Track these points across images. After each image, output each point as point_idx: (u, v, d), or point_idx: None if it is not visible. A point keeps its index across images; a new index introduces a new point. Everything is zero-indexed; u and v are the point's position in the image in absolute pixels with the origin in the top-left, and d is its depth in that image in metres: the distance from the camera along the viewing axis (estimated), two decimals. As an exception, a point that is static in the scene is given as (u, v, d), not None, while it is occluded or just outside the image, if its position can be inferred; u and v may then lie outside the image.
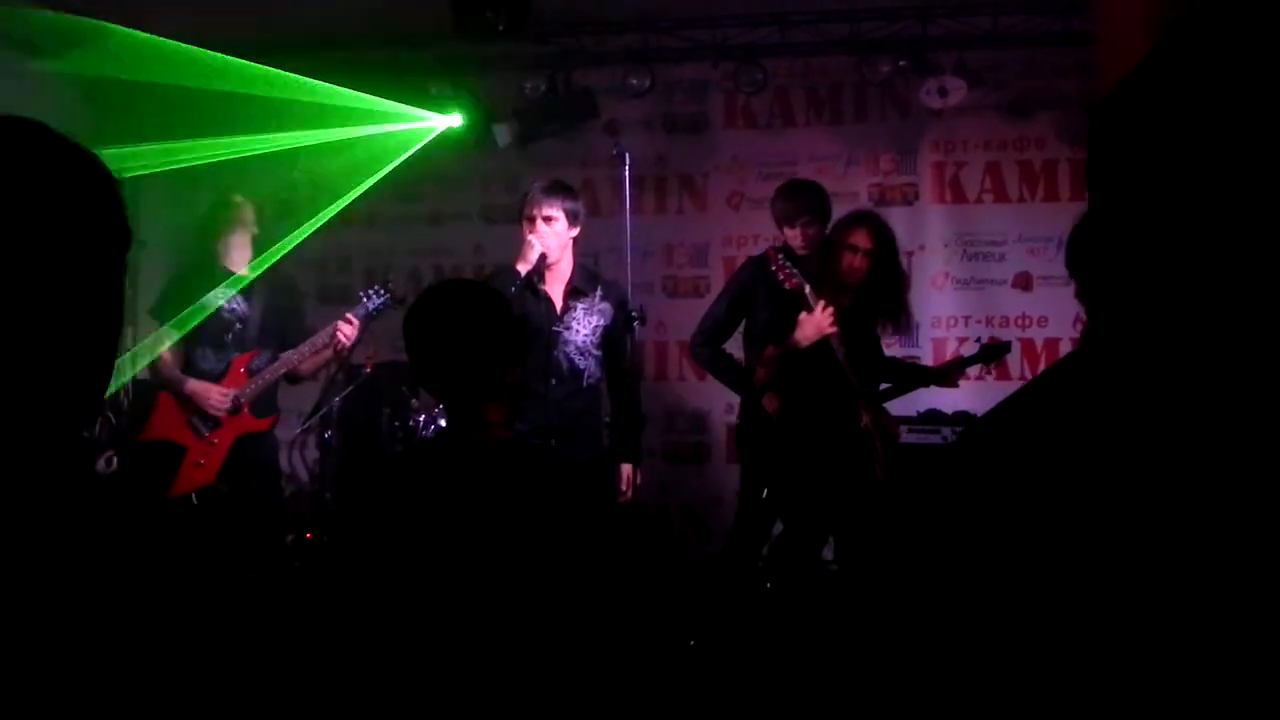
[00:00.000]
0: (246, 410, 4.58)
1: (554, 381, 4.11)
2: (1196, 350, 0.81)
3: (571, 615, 1.95)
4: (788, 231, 4.57)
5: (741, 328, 4.66)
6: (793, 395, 4.31)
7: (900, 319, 4.52)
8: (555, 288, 4.23)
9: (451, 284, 2.42)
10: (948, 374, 4.84)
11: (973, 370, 6.23)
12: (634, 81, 6.45)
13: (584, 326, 4.20)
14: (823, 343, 4.19)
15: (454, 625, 1.90)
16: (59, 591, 0.84)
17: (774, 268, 4.23)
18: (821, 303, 4.15)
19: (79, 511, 0.89)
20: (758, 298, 4.50)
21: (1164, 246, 0.81)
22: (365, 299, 4.69)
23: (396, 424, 5.13)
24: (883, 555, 1.02)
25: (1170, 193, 0.81)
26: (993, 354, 4.89)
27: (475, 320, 2.13)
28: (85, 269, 0.92)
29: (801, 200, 4.58)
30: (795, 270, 4.18)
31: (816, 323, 4.15)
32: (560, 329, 4.16)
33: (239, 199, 4.81)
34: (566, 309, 4.20)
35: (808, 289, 4.16)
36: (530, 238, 4.13)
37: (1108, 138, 0.87)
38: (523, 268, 4.08)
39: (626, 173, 4.47)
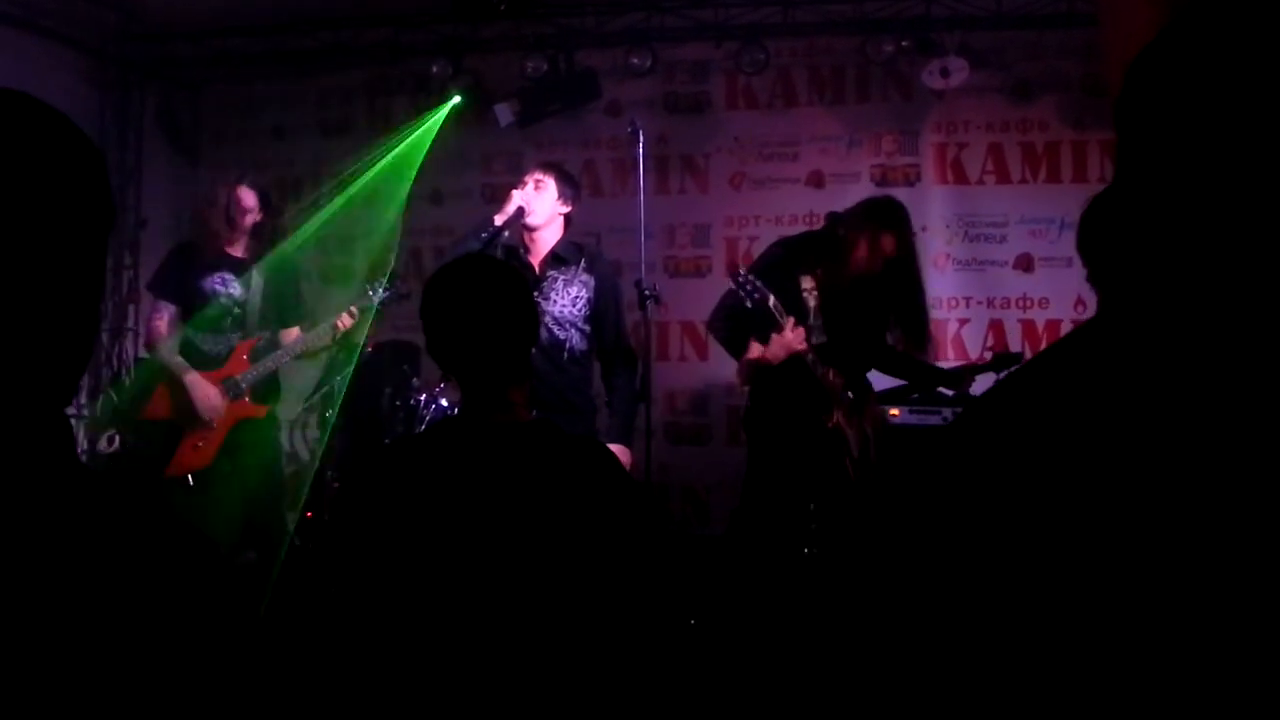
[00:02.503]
0: (247, 396, 4.59)
1: (532, 351, 4.10)
2: (1222, 330, 0.78)
3: (608, 599, 1.92)
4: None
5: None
6: (767, 393, 4.32)
7: (922, 335, 4.46)
8: (538, 258, 4.22)
9: (471, 262, 2.34)
10: (959, 379, 4.88)
11: (974, 350, 6.28)
12: (635, 61, 6.43)
13: (563, 297, 4.15)
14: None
15: (486, 613, 1.86)
16: (41, 576, 0.82)
17: (734, 287, 4.15)
18: (790, 320, 4.12)
19: (61, 491, 0.88)
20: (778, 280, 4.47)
21: (1198, 215, 0.79)
22: (371, 292, 4.68)
23: (398, 403, 5.13)
24: (870, 540, 0.98)
25: (1208, 162, 0.78)
26: (1004, 363, 4.97)
27: (499, 302, 2.08)
28: (67, 245, 0.90)
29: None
30: (760, 285, 4.08)
31: (786, 343, 4.13)
32: (537, 298, 4.13)
33: (242, 186, 4.74)
34: (544, 277, 4.17)
35: (772, 302, 4.09)
36: (514, 192, 4.17)
37: (1140, 98, 0.83)
38: (499, 219, 4.10)
39: (641, 150, 4.41)
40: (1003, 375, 4.87)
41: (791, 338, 4.13)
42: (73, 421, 6.06)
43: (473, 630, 1.86)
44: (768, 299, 4.08)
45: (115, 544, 0.88)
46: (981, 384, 4.97)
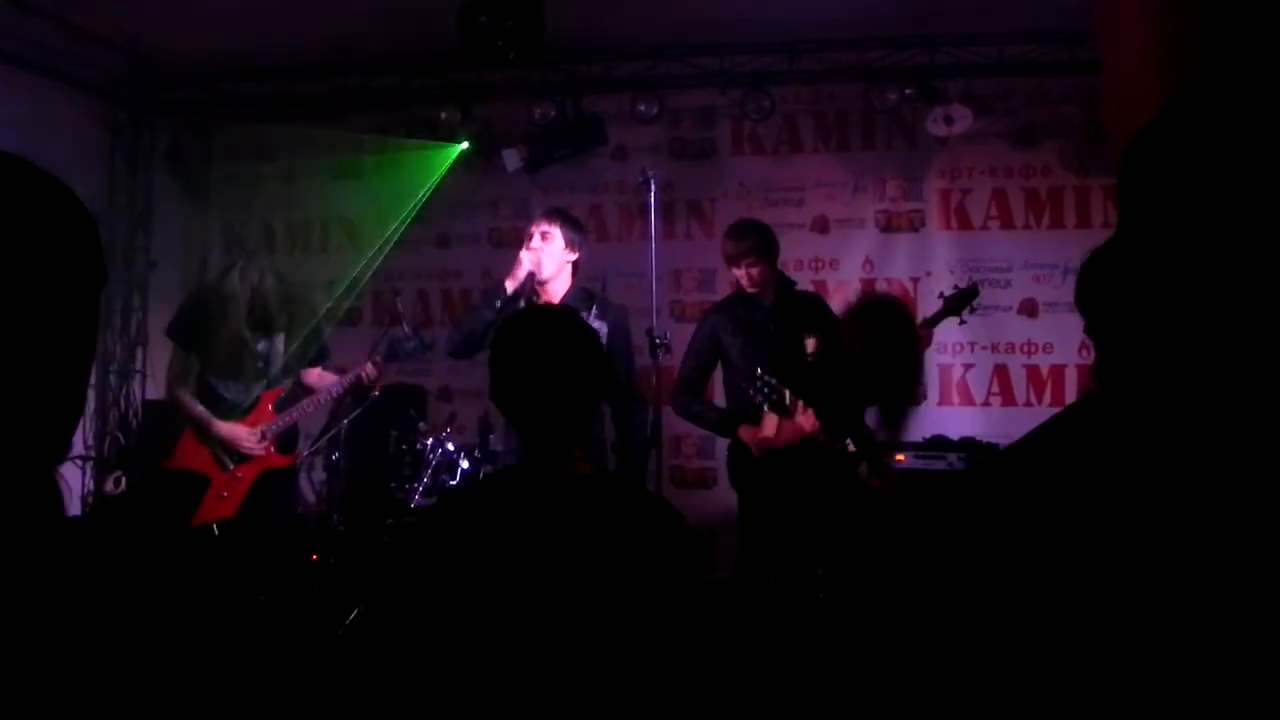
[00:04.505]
0: (271, 446, 4.59)
1: None
2: (1222, 394, 0.80)
3: (668, 655, 1.90)
4: (735, 271, 4.56)
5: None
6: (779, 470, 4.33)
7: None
8: None
9: (548, 315, 2.30)
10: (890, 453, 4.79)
11: (979, 395, 6.28)
12: (642, 108, 6.49)
13: None
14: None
15: (546, 666, 1.85)
16: (22, 636, 0.82)
17: (751, 392, 4.14)
18: (800, 403, 4.10)
19: (46, 553, 0.88)
20: (723, 340, 4.55)
21: (1198, 283, 0.81)
22: (393, 342, 4.68)
23: (404, 447, 5.13)
24: (887, 583, 0.99)
25: (1208, 230, 0.80)
26: (960, 301, 4.60)
27: (574, 357, 2.05)
28: (59, 306, 0.91)
29: (747, 241, 4.54)
30: (775, 384, 4.10)
31: (799, 429, 4.13)
32: None
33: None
34: None
35: (788, 398, 4.09)
36: (522, 254, 4.18)
37: (1140, 174, 0.86)
38: (510, 284, 4.12)
39: (653, 199, 4.43)
40: (961, 311, 4.62)
41: (803, 421, 4.11)
42: (80, 462, 6.05)
43: (531, 682, 1.85)
44: (784, 395, 4.09)
45: (94, 609, 0.88)
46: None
